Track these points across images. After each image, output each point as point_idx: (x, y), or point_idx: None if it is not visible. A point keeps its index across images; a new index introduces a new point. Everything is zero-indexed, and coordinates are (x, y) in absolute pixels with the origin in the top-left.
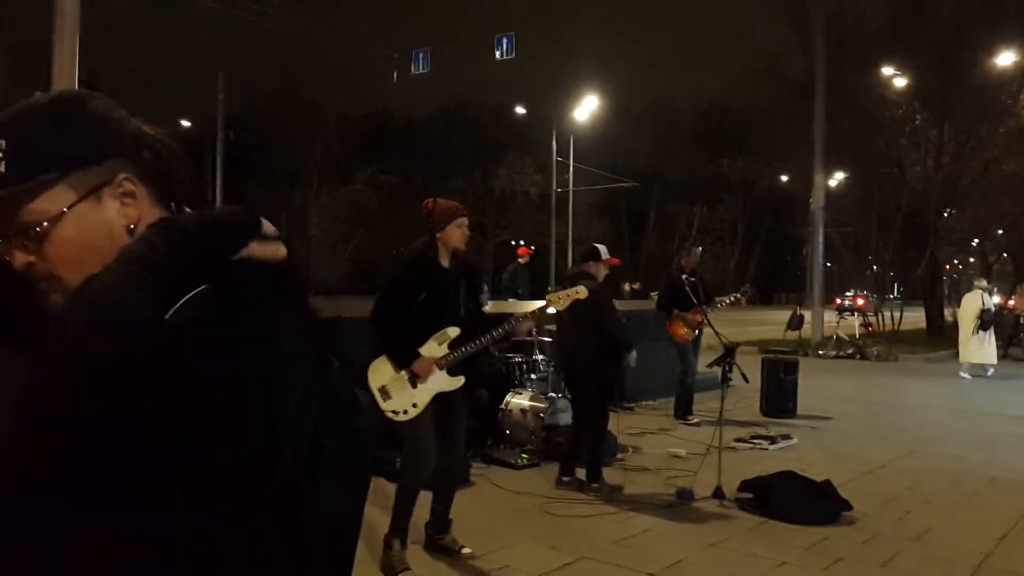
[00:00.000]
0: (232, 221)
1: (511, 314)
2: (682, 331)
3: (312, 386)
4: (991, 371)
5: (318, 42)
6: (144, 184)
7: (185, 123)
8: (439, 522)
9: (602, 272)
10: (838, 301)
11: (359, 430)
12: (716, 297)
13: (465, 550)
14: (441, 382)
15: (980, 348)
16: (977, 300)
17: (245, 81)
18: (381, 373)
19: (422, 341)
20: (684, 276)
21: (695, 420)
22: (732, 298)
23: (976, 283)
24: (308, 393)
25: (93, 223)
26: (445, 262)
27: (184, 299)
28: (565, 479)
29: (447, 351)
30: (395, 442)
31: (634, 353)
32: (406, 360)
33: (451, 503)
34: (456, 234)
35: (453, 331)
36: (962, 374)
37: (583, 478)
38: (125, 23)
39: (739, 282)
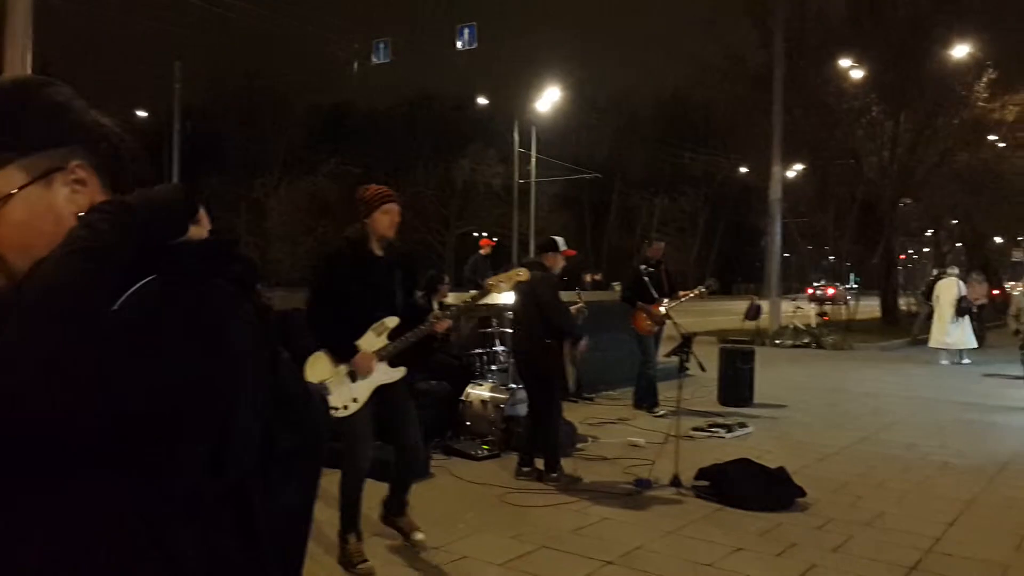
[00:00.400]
0: (175, 203)
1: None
2: (645, 323)
3: (263, 379)
4: (967, 358)
5: (279, 32)
6: (97, 174)
7: (142, 113)
8: (395, 503)
9: (559, 263)
10: (810, 291)
11: (311, 422)
12: (681, 291)
13: (418, 535)
14: (382, 374)
15: (958, 334)
16: (953, 288)
17: (204, 72)
18: (319, 368)
19: (359, 332)
20: (648, 268)
21: (661, 412)
22: (696, 291)
23: (949, 271)
24: (259, 387)
25: (42, 207)
26: (377, 250)
27: (131, 290)
28: (525, 469)
29: (386, 342)
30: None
31: (585, 340)
32: (344, 354)
33: (408, 488)
34: (383, 220)
35: (392, 321)
36: (942, 361)
37: (543, 468)
38: (79, 12)
39: (700, 273)
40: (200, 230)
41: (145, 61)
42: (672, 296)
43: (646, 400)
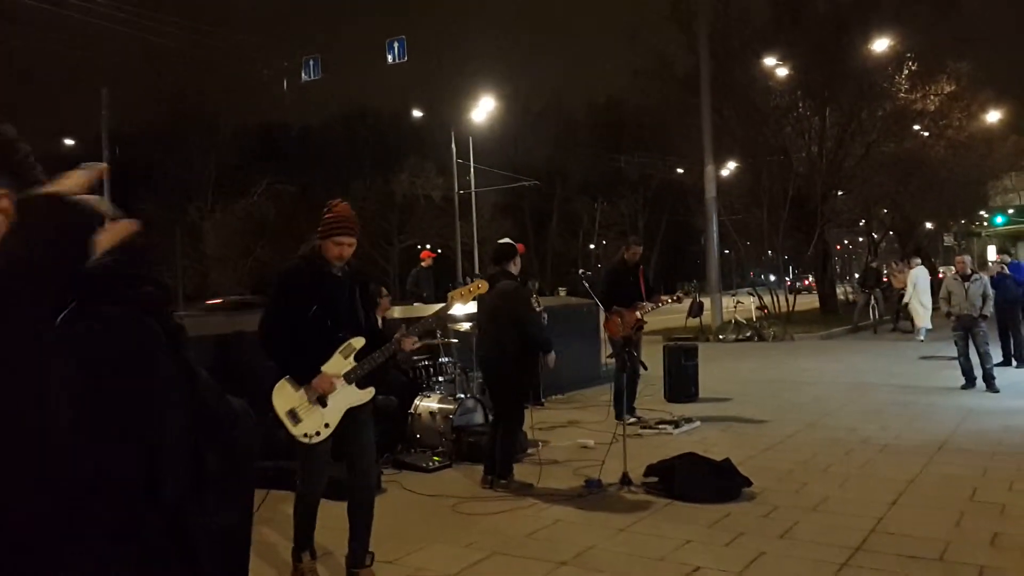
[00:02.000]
0: (90, 213)
1: (407, 321)
2: (618, 328)
3: (187, 401)
4: (923, 335)
5: (205, 55)
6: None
7: (69, 141)
8: (356, 555)
9: (519, 265)
10: (788, 282)
11: (236, 440)
12: (661, 296)
13: None
14: (351, 396)
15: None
16: (921, 273)
17: (132, 99)
18: (286, 396)
19: (325, 355)
20: (626, 271)
21: (631, 420)
22: (673, 297)
23: (913, 260)
24: (185, 409)
25: None
26: (334, 269)
27: (60, 318)
28: (490, 477)
29: (353, 363)
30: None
31: (553, 354)
32: (307, 377)
33: (369, 528)
34: (332, 250)
35: (358, 342)
36: (919, 338)
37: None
38: None
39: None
40: (114, 230)
41: (69, 89)
42: (651, 300)
43: (627, 409)
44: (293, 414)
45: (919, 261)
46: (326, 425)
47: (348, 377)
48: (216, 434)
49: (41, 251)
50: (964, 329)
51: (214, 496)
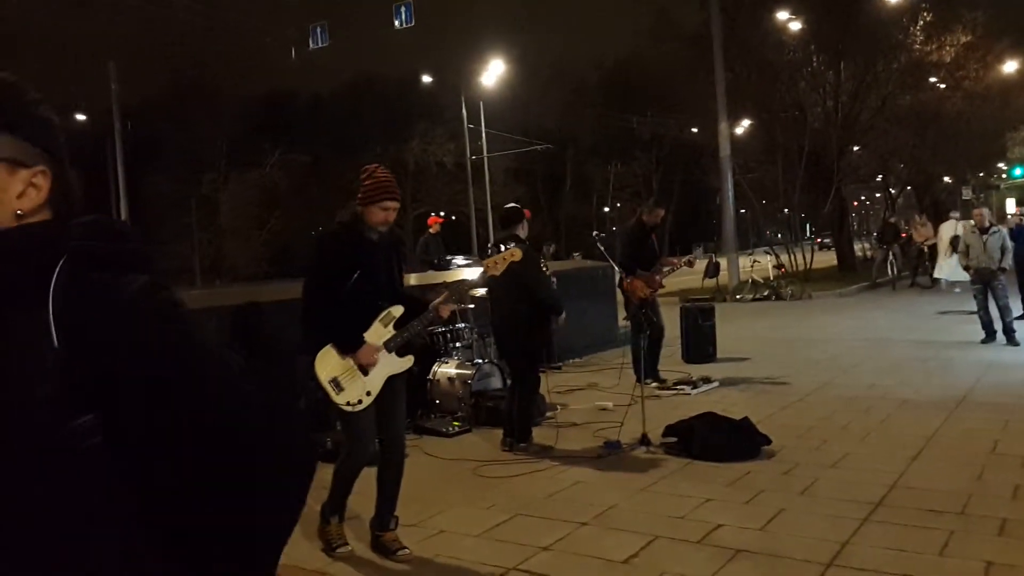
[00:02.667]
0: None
1: (435, 287)
2: (643, 291)
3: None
4: (958, 288)
5: (213, 26)
6: (49, 187)
7: (80, 117)
8: (382, 518)
9: (526, 229)
10: (819, 240)
11: (259, 403)
12: (671, 258)
13: (402, 552)
14: (392, 364)
15: (955, 268)
16: (952, 228)
17: (141, 71)
18: (329, 364)
19: (366, 324)
20: (649, 233)
21: (653, 383)
22: (684, 260)
23: (951, 214)
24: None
25: None
26: (373, 235)
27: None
28: (509, 440)
29: (393, 331)
30: (323, 423)
31: (564, 315)
32: (352, 347)
33: (397, 495)
34: (378, 215)
35: (397, 310)
36: (943, 287)
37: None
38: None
39: (659, 235)
40: None
41: (77, 64)
42: (664, 263)
43: (648, 373)
44: (336, 382)
45: (957, 215)
46: (368, 393)
47: (388, 346)
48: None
49: None
50: (983, 282)
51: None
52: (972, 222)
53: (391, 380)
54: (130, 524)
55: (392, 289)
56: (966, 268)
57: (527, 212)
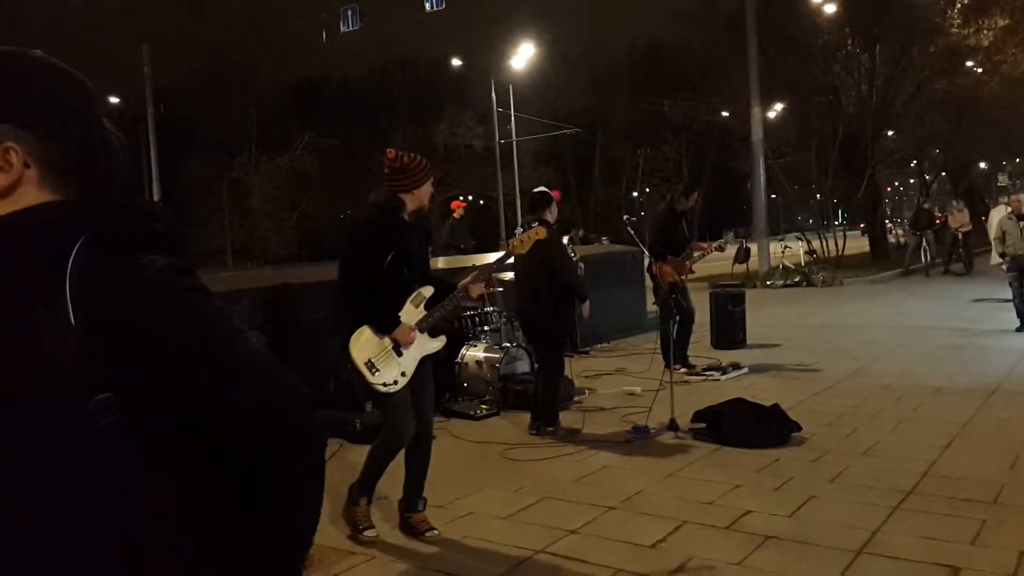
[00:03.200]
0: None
1: (461, 271)
2: (672, 276)
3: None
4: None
5: (245, 8)
6: (37, 164)
7: (113, 99)
8: (410, 499)
9: (555, 213)
10: (890, 225)
11: (276, 388)
12: (700, 243)
13: (430, 533)
14: (425, 345)
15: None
16: (1002, 213)
17: (174, 54)
18: (365, 346)
19: (399, 305)
20: (682, 218)
21: (681, 368)
22: (714, 245)
23: (1001, 200)
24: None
25: None
26: (408, 217)
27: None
28: (537, 424)
29: (424, 312)
30: (353, 404)
31: (587, 303)
32: (390, 327)
33: (425, 475)
34: (428, 193)
35: (427, 290)
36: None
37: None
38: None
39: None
40: None
41: (108, 46)
42: (695, 249)
43: (678, 359)
44: (371, 364)
45: (1006, 201)
46: (403, 374)
47: (420, 326)
48: (251, 383)
49: None
50: (1019, 270)
51: (248, 437)
52: (1010, 208)
53: (423, 361)
54: (151, 500)
55: (423, 270)
56: (1002, 255)
57: (556, 193)
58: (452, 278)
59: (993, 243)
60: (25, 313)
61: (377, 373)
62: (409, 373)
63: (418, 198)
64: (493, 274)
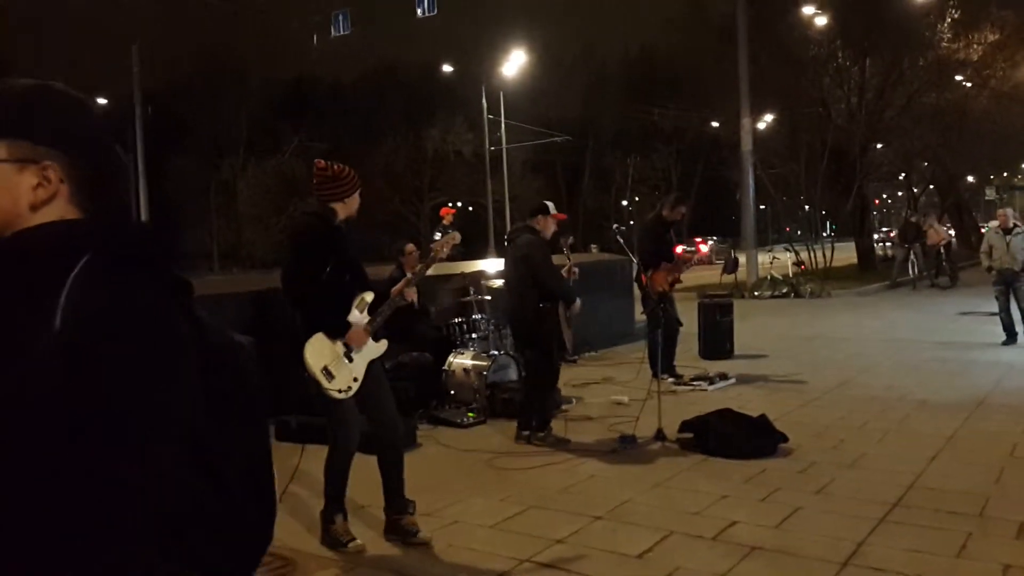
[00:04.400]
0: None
1: (451, 277)
2: (663, 285)
3: (194, 358)
4: None
5: (235, 9)
6: (70, 184)
7: (101, 100)
8: (396, 502)
9: (550, 226)
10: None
11: (242, 372)
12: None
13: (422, 535)
14: (371, 349)
15: None
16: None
17: (163, 55)
18: (320, 352)
19: (345, 311)
20: (669, 228)
21: (670, 379)
22: (689, 252)
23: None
24: (192, 364)
25: (7, 184)
26: (342, 225)
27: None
28: (524, 433)
29: (367, 317)
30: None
31: (578, 302)
32: (339, 332)
33: (402, 477)
34: (355, 205)
35: (369, 296)
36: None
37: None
38: (26, 3)
39: (678, 229)
40: None
41: (97, 46)
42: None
43: (665, 369)
44: (327, 371)
45: (1015, 213)
46: (355, 379)
47: (367, 330)
48: (225, 370)
49: None
50: (1005, 283)
51: (232, 423)
52: (996, 222)
53: (371, 365)
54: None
55: (362, 276)
56: (988, 269)
57: (562, 215)
58: (443, 284)
59: (981, 257)
60: (22, 325)
61: (333, 380)
62: (360, 378)
63: (348, 207)
64: (480, 282)
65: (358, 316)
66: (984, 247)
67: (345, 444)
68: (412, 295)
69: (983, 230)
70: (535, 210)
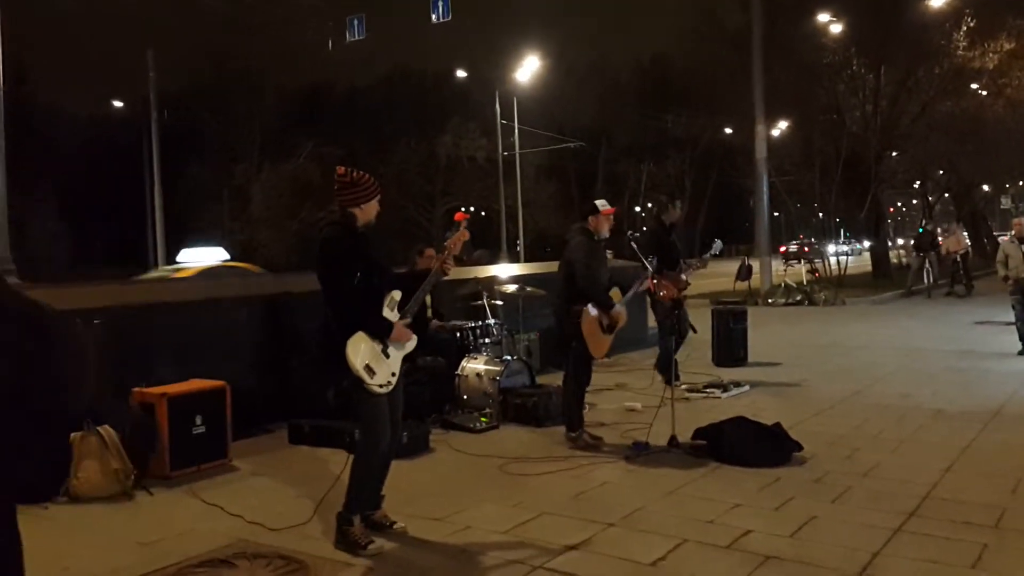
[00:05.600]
0: None
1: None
2: (671, 291)
3: None
4: None
5: (250, 15)
6: None
7: (117, 104)
8: (372, 499)
9: (603, 225)
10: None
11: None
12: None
13: (397, 526)
14: (405, 346)
15: None
16: None
17: (179, 59)
18: (361, 351)
19: (380, 311)
20: (670, 233)
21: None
22: (701, 262)
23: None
24: None
25: None
26: (364, 231)
27: None
28: (571, 435)
29: (398, 315)
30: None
31: (617, 309)
32: (384, 331)
33: (385, 478)
34: (374, 209)
35: (397, 294)
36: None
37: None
38: (47, 8)
39: (690, 235)
40: None
41: (113, 51)
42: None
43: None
44: (369, 368)
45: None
46: (393, 374)
47: (406, 324)
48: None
49: None
50: (1021, 293)
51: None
52: (1012, 232)
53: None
54: None
55: (388, 277)
56: (1005, 279)
57: (611, 210)
58: (455, 290)
59: (997, 266)
60: None
61: (375, 376)
62: (398, 372)
63: (367, 212)
64: (493, 287)
65: (390, 314)
66: (1000, 256)
67: (375, 442)
68: (450, 267)
69: (1000, 240)
70: (585, 212)
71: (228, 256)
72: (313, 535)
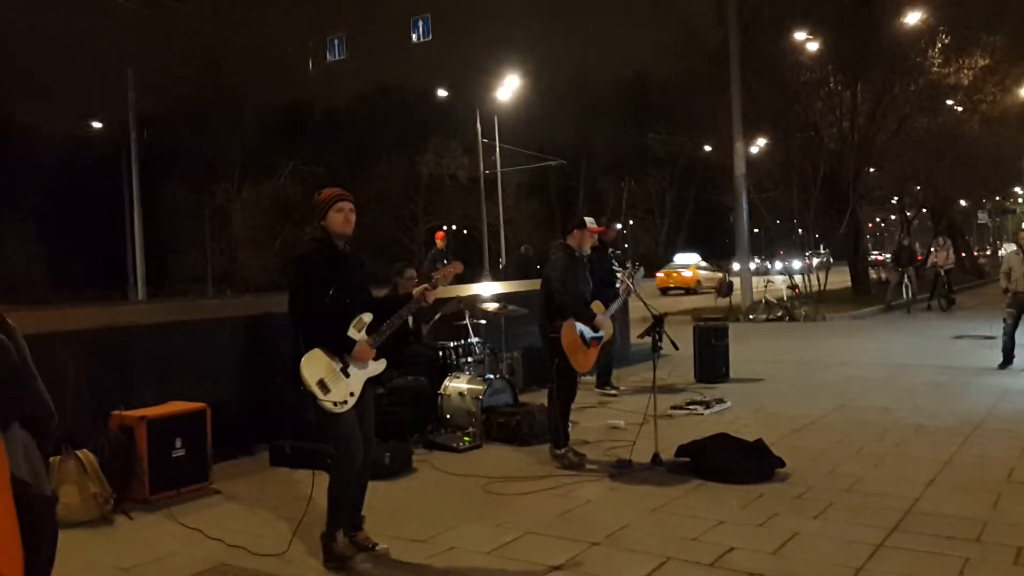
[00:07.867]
0: None
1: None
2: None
3: None
4: None
5: (230, 35)
6: None
7: (96, 124)
8: (352, 520)
9: (586, 241)
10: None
11: None
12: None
13: (380, 547)
14: (370, 367)
15: None
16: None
17: (158, 79)
18: (316, 366)
19: (345, 331)
20: (612, 251)
21: (614, 391)
22: (627, 275)
23: None
24: None
25: None
26: (343, 248)
27: None
28: (557, 452)
29: (366, 336)
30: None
31: (602, 320)
32: (342, 348)
33: (363, 500)
34: (337, 219)
35: (368, 316)
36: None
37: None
38: (22, 28)
39: (671, 253)
40: None
41: (95, 70)
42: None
43: (601, 381)
44: (323, 384)
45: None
46: (351, 394)
47: (370, 344)
48: None
49: None
50: (1018, 307)
51: None
52: (1014, 245)
53: (366, 385)
54: None
55: (363, 298)
56: (1005, 291)
57: (599, 228)
58: (438, 307)
59: (1000, 277)
60: None
61: (329, 393)
62: (357, 393)
63: (332, 224)
64: (476, 305)
65: (357, 335)
66: (1004, 268)
67: (348, 459)
68: (432, 295)
69: (987, 254)
70: (570, 227)
71: None
72: (294, 559)
